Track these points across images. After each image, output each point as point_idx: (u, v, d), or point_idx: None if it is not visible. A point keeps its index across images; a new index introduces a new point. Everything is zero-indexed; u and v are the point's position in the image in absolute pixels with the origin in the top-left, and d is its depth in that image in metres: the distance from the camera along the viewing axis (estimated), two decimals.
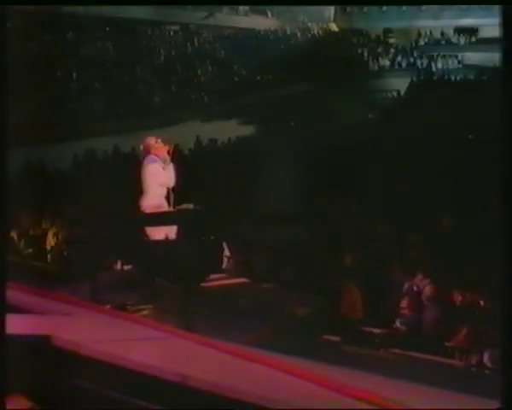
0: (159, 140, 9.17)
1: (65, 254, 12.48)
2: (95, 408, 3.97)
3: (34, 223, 13.73)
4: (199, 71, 31.00)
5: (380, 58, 32.93)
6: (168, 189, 9.12)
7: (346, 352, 8.82)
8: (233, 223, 11.01)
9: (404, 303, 9.77)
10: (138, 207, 9.03)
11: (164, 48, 31.73)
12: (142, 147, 9.20)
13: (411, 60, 32.78)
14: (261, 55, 31.56)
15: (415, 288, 9.99)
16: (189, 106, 28.85)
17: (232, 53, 32.44)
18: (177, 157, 9.51)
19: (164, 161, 9.01)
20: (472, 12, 32.16)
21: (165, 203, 9.09)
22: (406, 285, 10.03)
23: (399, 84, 30.59)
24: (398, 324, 9.62)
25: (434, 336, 9.32)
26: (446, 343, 9.10)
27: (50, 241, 13.06)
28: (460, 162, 14.85)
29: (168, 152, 9.15)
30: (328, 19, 35.68)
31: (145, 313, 8.31)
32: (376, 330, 9.76)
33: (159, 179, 8.95)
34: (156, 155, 9.02)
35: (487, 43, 29.23)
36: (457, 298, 9.64)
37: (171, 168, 9.04)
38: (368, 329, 9.76)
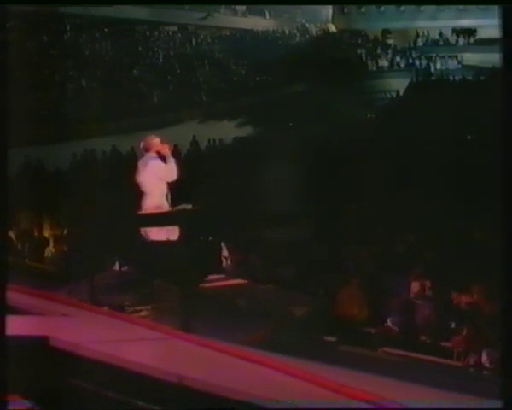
0: (157, 138, 9.16)
1: (63, 254, 12.47)
2: (93, 409, 3.97)
3: (33, 223, 13.72)
4: (197, 71, 31.00)
5: (378, 59, 32.93)
6: (168, 187, 9.10)
7: (344, 352, 8.83)
8: (232, 223, 11.01)
9: (398, 302, 9.78)
10: (140, 207, 9.02)
11: (162, 48, 31.72)
12: (142, 145, 9.18)
13: (410, 60, 32.78)
14: (259, 56, 31.55)
15: (410, 287, 10.00)
16: (188, 106, 28.85)
17: (230, 53, 32.44)
18: (176, 157, 9.50)
19: (165, 158, 9.01)
20: (470, 13, 32.17)
21: (166, 203, 9.08)
22: (402, 285, 10.04)
23: (398, 84, 30.58)
24: (389, 323, 9.63)
25: (431, 336, 9.33)
26: (445, 344, 9.11)
27: (49, 242, 13.05)
28: (459, 162, 14.85)
29: (168, 149, 9.15)
30: (326, 19, 35.67)
31: (143, 313, 8.31)
32: (374, 330, 9.77)
33: (160, 174, 8.93)
34: (157, 152, 9.01)
35: (486, 43, 29.25)
36: (456, 299, 9.65)
37: (172, 162, 9.04)
38: (366, 329, 9.77)
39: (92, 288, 8.43)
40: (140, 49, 31.19)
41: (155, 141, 9.12)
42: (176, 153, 9.64)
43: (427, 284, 9.91)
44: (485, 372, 8.40)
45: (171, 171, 8.99)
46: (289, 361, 4.15)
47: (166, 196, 9.10)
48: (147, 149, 9.08)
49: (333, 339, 9.26)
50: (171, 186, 9.16)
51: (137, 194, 9.00)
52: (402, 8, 33.49)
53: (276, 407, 3.33)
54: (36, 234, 13.39)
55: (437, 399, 3.83)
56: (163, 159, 9.01)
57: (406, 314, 9.67)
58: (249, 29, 34.04)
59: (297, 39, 34.85)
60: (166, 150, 9.06)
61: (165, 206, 9.06)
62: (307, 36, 35.32)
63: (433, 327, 9.42)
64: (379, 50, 33.50)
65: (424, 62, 32.38)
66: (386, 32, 34.40)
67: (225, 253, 10.20)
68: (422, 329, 9.50)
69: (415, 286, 9.98)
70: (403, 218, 12.36)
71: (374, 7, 34.08)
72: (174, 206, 9.07)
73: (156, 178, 8.96)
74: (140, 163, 9.09)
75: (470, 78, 29.83)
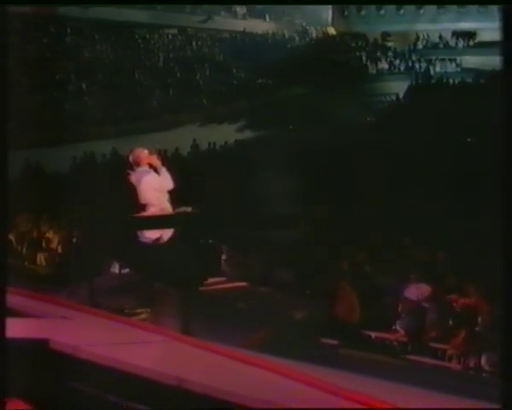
0: (145, 150, 9.12)
1: (63, 257, 12.48)
2: None
3: (32, 226, 13.73)
4: (197, 74, 31.02)
5: (378, 62, 32.95)
6: (169, 193, 9.10)
7: (344, 355, 8.83)
8: (231, 226, 11.01)
9: (401, 306, 9.78)
10: (141, 211, 9.01)
11: (162, 51, 31.75)
12: (131, 158, 9.13)
13: (410, 63, 32.80)
14: (259, 59, 31.57)
15: (413, 291, 10.00)
16: (188, 109, 28.87)
17: (230, 56, 32.46)
18: (176, 160, 9.50)
19: (156, 168, 8.99)
20: (470, 15, 32.20)
21: (168, 207, 9.07)
22: (404, 288, 10.04)
23: (398, 87, 30.60)
24: (397, 326, 9.64)
25: (431, 339, 9.33)
26: (444, 346, 9.11)
27: (48, 244, 13.06)
28: (458, 165, 14.86)
29: (157, 158, 9.13)
30: (325, 22, 35.70)
31: (143, 316, 8.31)
32: (374, 334, 9.78)
33: (156, 186, 8.92)
34: (148, 164, 8.98)
35: (485, 46, 29.27)
36: (456, 302, 9.65)
37: (164, 171, 9.02)
38: (365, 332, 9.77)
39: (92, 290, 8.43)
40: (140, 52, 31.22)
41: (144, 153, 9.06)
42: (166, 160, 9.59)
43: (427, 287, 9.91)
44: (484, 375, 8.40)
45: (166, 181, 8.98)
46: (288, 364, 4.15)
47: (168, 200, 9.09)
48: (137, 163, 9.03)
49: (332, 342, 9.26)
50: (171, 190, 9.16)
51: (138, 204, 8.97)
52: (402, 10, 33.52)
53: None
54: (36, 237, 13.40)
55: (436, 402, 3.83)
56: (155, 170, 8.98)
57: (406, 318, 9.67)
58: (249, 32, 34.07)
59: (297, 42, 34.88)
60: (157, 161, 9.03)
61: (169, 210, 9.05)
62: (307, 39, 35.36)
63: (433, 330, 9.42)
64: (379, 53, 33.53)
65: (424, 65, 32.40)
66: (385, 35, 34.43)
67: (225, 256, 10.20)
68: (422, 332, 9.51)
69: (414, 289, 9.98)
70: (402, 220, 12.37)
71: (374, 10, 34.11)
72: (174, 208, 9.07)
73: (153, 190, 8.95)
74: (133, 178, 9.05)
75: (470, 80, 29.85)
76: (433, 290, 9.83)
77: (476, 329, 9.02)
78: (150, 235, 8.92)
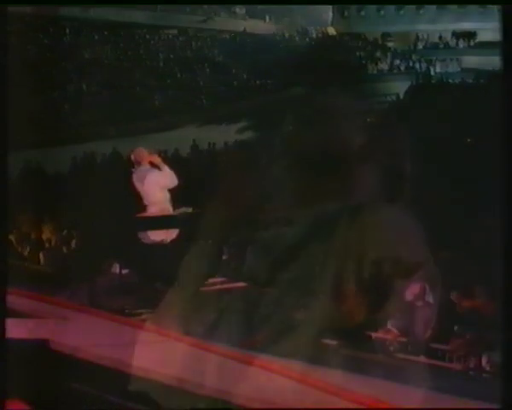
0: (146, 151, 9.15)
1: (63, 257, 12.47)
2: None
3: (33, 226, 13.72)
4: (197, 75, 31.03)
5: (378, 62, 32.96)
6: (169, 191, 9.11)
7: (345, 355, 8.82)
8: (232, 226, 11.00)
9: (398, 305, 9.77)
10: (141, 211, 9.01)
11: (162, 52, 31.76)
12: (133, 157, 9.17)
13: (410, 63, 32.81)
14: (259, 59, 31.60)
15: (410, 290, 9.99)
16: (188, 110, 28.88)
17: (230, 57, 32.47)
18: (176, 161, 9.52)
19: (158, 166, 9.03)
20: (470, 16, 32.20)
21: (169, 207, 9.09)
22: (402, 287, 10.03)
23: (398, 87, 30.60)
24: (390, 326, 9.64)
25: (431, 339, 9.32)
26: (444, 347, 9.10)
27: (49, 244, 13.05)
28: (459, 165, 14.86)
29: (158, 156, 9.18)
30: (326, 23, 35.70)
31: (143, 317, 8.30)
32: (375, 334, 9.77)
33: (161, 183, 8.94)
34: (149, 163, 9.01)
35: (485, 46, 29.28)
36: (456, 301, 9.65)
37: (167, 169, 9.06)
38: (366, 332, 9.76)
39: (92, 291, 8.43)
40: (140, 52, 31.23)
41: (145, 153, 9.12)
42: (166, 160, 9.66)
43: (427, 286, 9.90)
44: (484, 375, 8.39)
45: (170, 178, 9.02)
46: (289, 364, 4.15)
47: (169, 200, 9.11)
48: (138, 162, 9.07)
49: (332, 342, 9.25)
50: (172, 190, 9.18)
51: (140, 204, 8.98)
52: (402, 11, 33.53)
53: None
54: (36, 237, 13.39)
55: (436, 402, 3.83)
56: (157, 168, 9.02)
57: (406, 317, 9.66)
58: (249, 32, 34.08)
59: (297, 42, 34.88)
60: (158, 159, 9.08)
61: (169, 210, 9.07)
62: (307, 39, 35.36)
63: (434, 330, 9.42)
64: (379, 53, 33.53)
65: (424, 65, 32.40)
66: (385, 36, 34.43)
67: (225, 256, 10.17)
68: (422, 332, 9.50)
69: (415, 289, 9.97)
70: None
71: (374, 10, 34.12)
72: (174, 209, 9.09)
73: (158, 188, 8.98)
74: (135, 177, 9.07)
75: (470, 80, 29.86)
76: (433, 290, 9.82)
77: (477, 329, 9.02)
78: (150, 235, 8.93)
